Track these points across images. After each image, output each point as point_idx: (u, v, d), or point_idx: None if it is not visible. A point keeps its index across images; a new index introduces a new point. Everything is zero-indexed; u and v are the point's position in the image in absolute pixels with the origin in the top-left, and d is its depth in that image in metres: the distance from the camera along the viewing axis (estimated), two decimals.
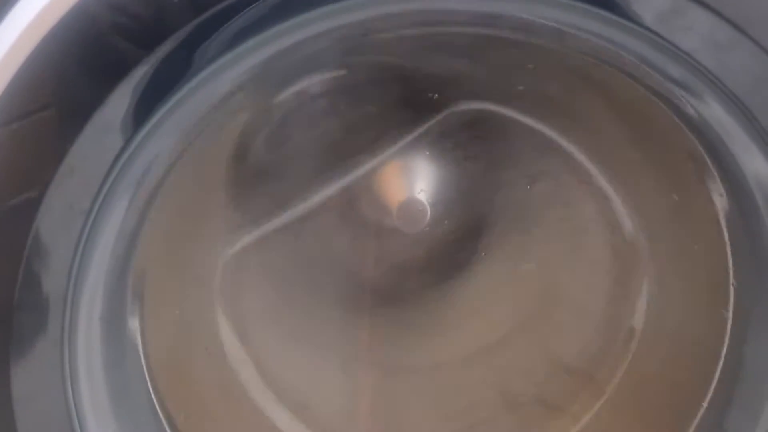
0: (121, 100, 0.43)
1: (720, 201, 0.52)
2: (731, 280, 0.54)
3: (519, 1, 0.42)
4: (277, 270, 0.63)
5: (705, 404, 0.56)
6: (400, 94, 0.58)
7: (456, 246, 0.63)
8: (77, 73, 0.42)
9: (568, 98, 0.55)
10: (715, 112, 0.46)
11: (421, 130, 0.58)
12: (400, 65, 0.56)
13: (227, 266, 0.61)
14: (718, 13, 0.41)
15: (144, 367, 0.55)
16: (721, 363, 0.55)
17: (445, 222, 0.62)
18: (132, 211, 0.48)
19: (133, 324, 0.54)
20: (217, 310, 0.61)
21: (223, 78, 0.46)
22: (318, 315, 0.64)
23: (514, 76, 0.55)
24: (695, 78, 0.44)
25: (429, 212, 0.61)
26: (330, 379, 0.64)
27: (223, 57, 0.45)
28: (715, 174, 0.50)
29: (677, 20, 0.43)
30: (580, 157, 0.58)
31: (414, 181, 0.62)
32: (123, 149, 0.45)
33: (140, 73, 0.42)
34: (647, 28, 0.42)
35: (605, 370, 0.62)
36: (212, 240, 0.60)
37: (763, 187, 0.47)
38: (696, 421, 0.56)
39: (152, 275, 0.54)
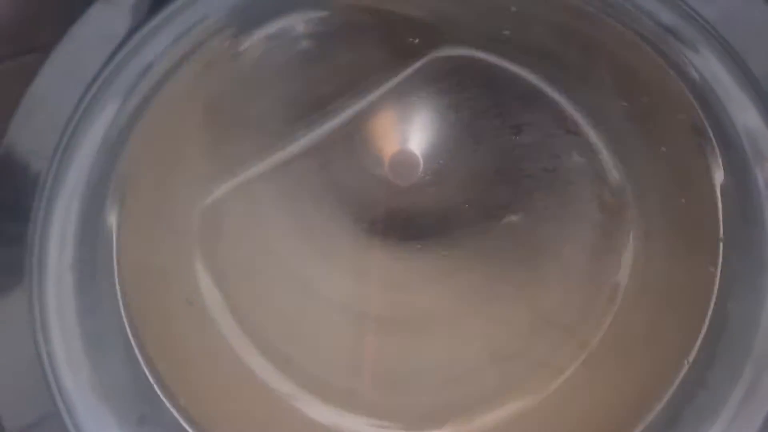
0: None
1: (710, 154, 0.49)
2: (720, 235, 0.52)
3: None
4: (256, 219, 0.61)
5: (689, 361, 0.54)
6: (382, 38, 0.55)
7: (442, 198, 0.61)
8: None
9: (555, 45, 0.52)
10: (707, 63, 0.43)
11: (403, 75, 0.55)
12: (381, 8, 0.52)
13: (206, 214, 0.58)
14: None
15: (123, 314, 0.54)
16: (707, 320, 0.53)
17: (432, 174, 0.59)
18: (115, 126, 0.46)
19: (109, 268, 0.52)
20: (196, 260, 0.59)
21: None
22: (301, 264, 0.62)
23: (498, 21, 0.51)
24: (688, 25, 0.41)
25: (421, 164, 0.59)
26: (314, 331, 0.63)
27: None
28: (706, 126, 0.47)
29: None
30: (567, 106, 0.56)
31: (397, 130, 0.59)
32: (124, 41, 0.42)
33: None
34: None
35: (589, 325, 0.60)
36: (190, 187, 0.58)
37: (753, 140, 0.44)
38: (680, 378, 0.55)
39: (128, 218, 0.52)
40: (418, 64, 0.55)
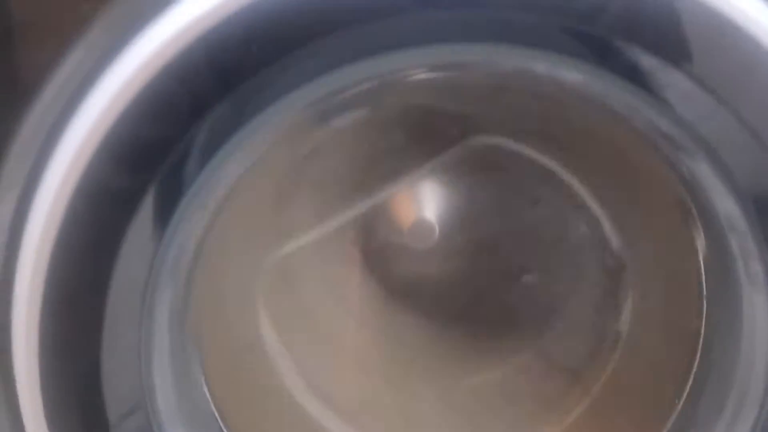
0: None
1: (694, 227, 0.60)
2: (704, 292, 0.62)
3: (540, 60, 0.50)
4: (309, 279, 0.70)
5: (680, 400, 0.63)
6: (423, 128, 0.65)
7: (463, 261, 0.70)
8: None
9: (569, 136, 0.62)
10: (698, 166, 0.52)
11: (438, 160, 0.66)
12: (422, 103, 0.63)
13: (268, 272, 0.67)
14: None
15: (199, 361, 0.62)
16: (695, 366, 0.62)
17: (454, 239, 0.69)
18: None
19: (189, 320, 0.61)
20: (259, 314, 0.67)
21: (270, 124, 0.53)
22: (341, 322, 0.71)
23: (523, 116, 0.62)
24: (685, 135, 0.51)
25: (437, 230, 0.69)
26: (347, 378, 0.71)
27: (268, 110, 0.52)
28: (692, 206, 0.57)
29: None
30: (577, 186, 0.66)
31: (426, 202, 0.69)
32: None
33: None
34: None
35: (593, 371, 0.69)
36: (255, 250, 0.67)
37: (729, 219, 0.53)
38: (672, 417, 0.63)
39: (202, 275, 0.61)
40: (453, 150, 0.66)
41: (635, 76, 0.49)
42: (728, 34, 0.48)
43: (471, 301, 0.71)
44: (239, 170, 0.55)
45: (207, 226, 0.56)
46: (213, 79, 0.49)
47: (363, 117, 0.62)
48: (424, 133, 0.66)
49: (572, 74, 0.49)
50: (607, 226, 0.67)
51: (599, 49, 0.49)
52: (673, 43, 0.48)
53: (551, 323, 0.70)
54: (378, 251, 0.70)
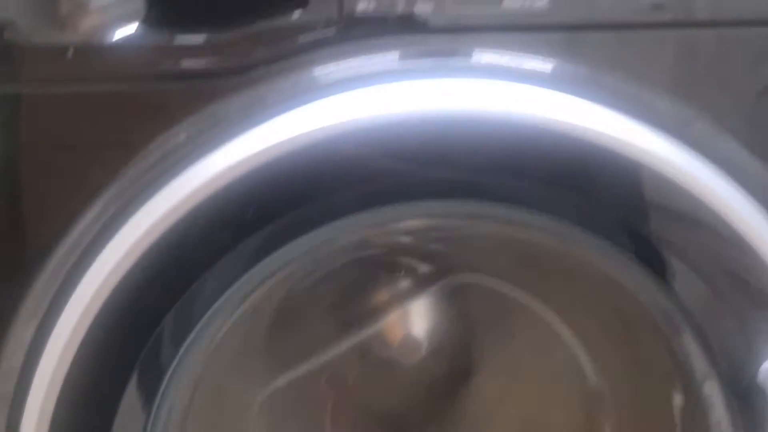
0: None
1: (674, 386, 0.63)
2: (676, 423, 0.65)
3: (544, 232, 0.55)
4: (304, 408, 0.73)
5: None
6: (404, 269, 0.70)
7: (446, 387, 0.73)
8: None
9: (548, 276, 0.66)
10: (685, 342, 0.58)
11: (422, 296, 0.70)
12: (407, 248, 0.68)
13: (260, 410, 0.70)
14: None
15: None
16: None
17: (436, 370, 0.72)
18: None
19: None
20: None
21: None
22: None
23: (499, 256, 0.67)
24: (674, 309, 0.56)
25: (424, 350, 0.72)
26: None
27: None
28: (671, 364, 0.61)
29: None
30: (555, 321, 0.70)
31: (414, 331, 0.73)
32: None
33: None
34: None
35: None
36: (246, 383, 0.70)
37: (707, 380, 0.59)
38: None
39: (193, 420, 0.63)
40: (436, 286, 0.70)
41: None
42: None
43: (455, 424, 0.74)
44: (230, 321, 0.59)
45: (195, 385, 0.59)
46: (204, 249, 0.53)
47: (351, 261, 0.66)
48: (407, 273, 0.70)
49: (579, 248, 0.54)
50: (583, 358, 0.71)
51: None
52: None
53: None
54: (365, 380, 0.73)
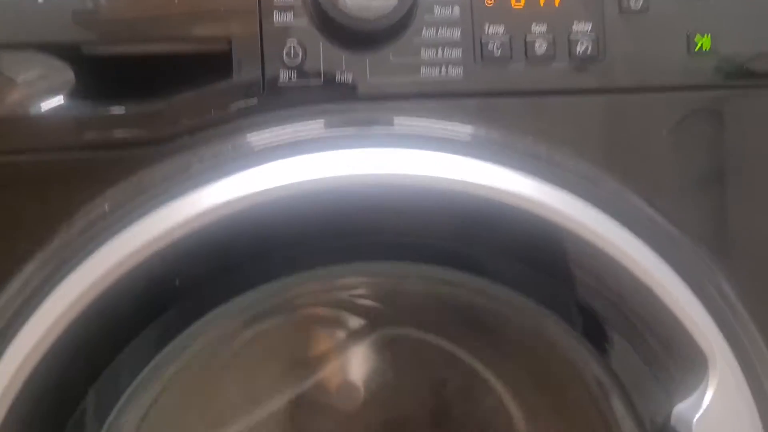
0: None
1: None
2: None
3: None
4: None
5: None
6: (336, 324, 0.71)
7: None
8: None
9: (477, 329, 0.68)
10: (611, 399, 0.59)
11: (357, 348, 0.71)
12: (339, 303, 0.69)
13: None
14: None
15: None
16: None
17: (371, 418, 0.73)
18: None
19: None
20: None
21: None
22: None
23: (435, 313, 0.68)
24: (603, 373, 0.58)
25: (361, 397, 0.73)
26: None
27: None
28: (599, 423, 0.62)
29: None
30: (483, 370, 0.71)
31: (352, 380, 0.74)
32: None
33: None
34: None
35: None
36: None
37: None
38: None
39: None
40: (369, 339, 0.70)
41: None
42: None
43: None
44: (159, 386, 0.58)
45: None
46: (137, 311, 0.53)
47: (284, 319, 0.67)
48: (339, 328, 0.71)
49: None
50: (512, 404, 0.72)
51: None
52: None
53: None
54: (306, 428, 0.73)
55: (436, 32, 0.57)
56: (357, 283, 0.64)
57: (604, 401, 0.62)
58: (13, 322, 0.50)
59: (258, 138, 0.55)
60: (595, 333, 0.58)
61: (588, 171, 0.58)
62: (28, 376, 0.49)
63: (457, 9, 0.57)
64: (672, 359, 0.59)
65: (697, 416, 0.56)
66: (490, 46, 0.57)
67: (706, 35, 0.59)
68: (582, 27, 0.58)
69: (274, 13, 0.55)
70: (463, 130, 0.57)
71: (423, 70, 0.57)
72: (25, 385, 0.48)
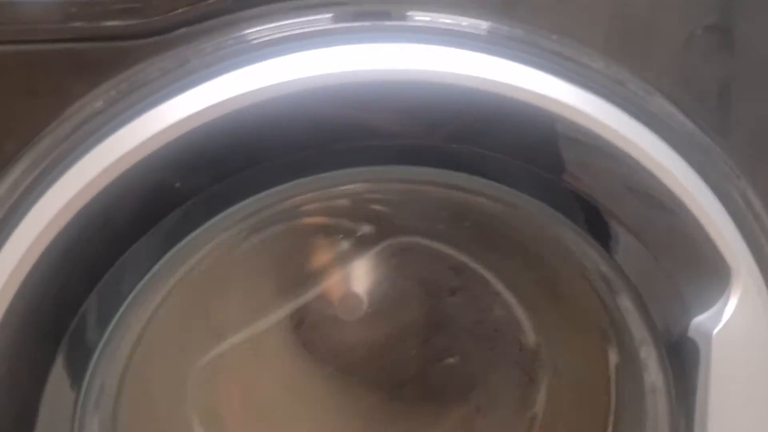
0: None
1: (609, 344, 0.63)
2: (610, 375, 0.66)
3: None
4: (243, 377, 0.71)
5: None
6: (347, 230, 0.68)
7: (391, 345, 0.73)
8: None
9: (485, 236, 0.65)
10: (622, 301, 0.58)
11: (363, 258, 0.68)
12: (345, 211, 0.66)
13: (198, 376, 0.68)
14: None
15: None
16: None
17: (381, 325, 0.71)
18: None
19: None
20: (192, 420, 0.68)
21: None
22: (282, 409, 0.72)
23: (445, 220, 0.65)
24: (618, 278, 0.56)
25: (365, 304, 0.71)
26: None
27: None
28: (607, 322, 0.61)
29: None
30: (492, 279, 0.69)
31: (356, 291, 0.72)
32: None
33: None
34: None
35: None
36: (183, 352, 0.68)
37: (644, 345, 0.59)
38: None
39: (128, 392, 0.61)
40: (375, 249, 0.68)
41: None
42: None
43: (400, 381, 0.73)
44: (161, 294, 0.56)
45: (127, 360, 0.56)
46: (129, 222, 0.50)
47: (287, 227, 0.64)
48: (346, 236, 0.68)
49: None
50: (519, 311, 0.70)
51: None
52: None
53: (473, 404, 0.73)
54: (310, 338, 0.72)
55: None
56: (363, 189, 0.61)
57: (616, 313, 0.60)
58: (2, 227, 0.47)
59: (262, 30, 0.51)
60: (610, 238, 0.56)
61: (617, 72, 0.54)
62: (23, 281, 0.46)
63: None
64: (692, 269, 0.56)
65: (717, 329, 0.54)
66: None
67: None
68: None
69: None
70: (481, 25, 0.53)
71: None
72: (20, 290, 0.46)
